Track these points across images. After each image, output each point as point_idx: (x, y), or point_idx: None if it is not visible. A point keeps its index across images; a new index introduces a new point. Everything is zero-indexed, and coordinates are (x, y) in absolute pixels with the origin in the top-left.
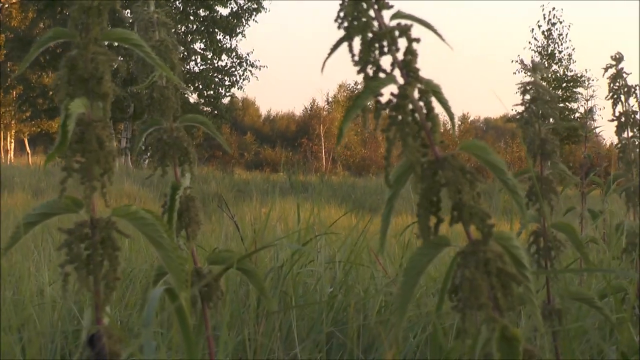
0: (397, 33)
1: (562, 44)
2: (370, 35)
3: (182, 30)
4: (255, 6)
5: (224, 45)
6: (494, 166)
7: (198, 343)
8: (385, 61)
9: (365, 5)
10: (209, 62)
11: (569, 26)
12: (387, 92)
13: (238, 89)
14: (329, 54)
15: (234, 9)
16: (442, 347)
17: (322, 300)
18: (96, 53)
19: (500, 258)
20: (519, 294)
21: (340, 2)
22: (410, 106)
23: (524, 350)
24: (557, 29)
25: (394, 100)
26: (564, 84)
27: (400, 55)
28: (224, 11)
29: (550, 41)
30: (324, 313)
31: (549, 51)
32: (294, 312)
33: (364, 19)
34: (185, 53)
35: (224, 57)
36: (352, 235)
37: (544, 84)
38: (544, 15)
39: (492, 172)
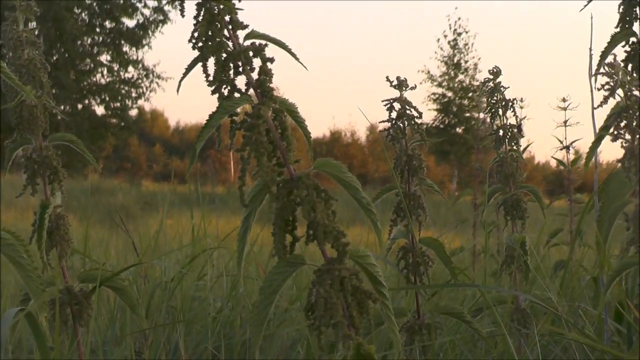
0: (251, 53)
1: (467, 54)
2: (224, 55)
3: (88, 42)
4: (161, 18)
5: (130, 57)
6: (348, 184)
7: None
8: (241, 81)
9: (219, 26)
10: (115, 74)
11: (475, 36)
12: (243, 112)
13: (145, 100)
14: (184, 75)
15: (140, 21)
16: None
17: (209, 314)
18: None
19: (356, 276)
20: (376, 312)
21: (194, 22)
22: (265, 126)
23: None
24: (462, 39)
25: (248, 119)
26: (470, 94)
27: (255, 75)
28: (130, 23)
29: (456, 51)
30: (209, 329)
31: (455, 61)
32: (182, 327)
33: (217, 39)
34: (92, 65)
35: (130, 68)
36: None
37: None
38: (449, 25)
39: (346, 191)
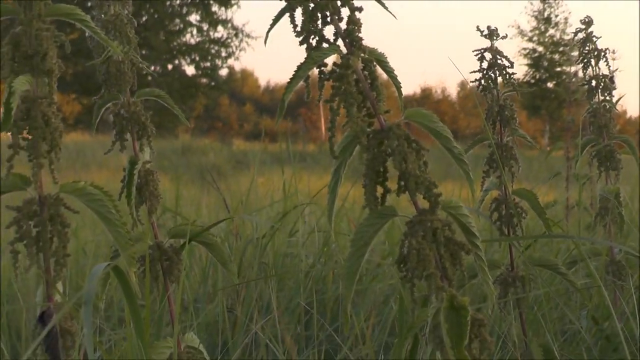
0: (339, 2)
1: (557, 8)
2: (311, 5)
3: (177, 2)
4: None
5: (220, 17)
6: (439, 134)
7: (161, 318)
8: (329, 31)
9: None
10: (204, 33)
11: None
12: (331, 62)
13: (235, 60)
14: (271, 25)
15: None
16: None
17: (302, 270)
18: (40, 29)
19: (449, 227)
20: (470, 264)
21: None
22: (354, 76)
23: (472, 320)
24: None
25: (337, 70)
26: (561, 48)
27: (343, 25)
28: None
29: (546, 5)
30: (301, 285)
31: (545, 15)
32: (274, 283)
33: None
34: (181, 25)
35: (219, 28)
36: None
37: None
38: None
39: (437, 140)
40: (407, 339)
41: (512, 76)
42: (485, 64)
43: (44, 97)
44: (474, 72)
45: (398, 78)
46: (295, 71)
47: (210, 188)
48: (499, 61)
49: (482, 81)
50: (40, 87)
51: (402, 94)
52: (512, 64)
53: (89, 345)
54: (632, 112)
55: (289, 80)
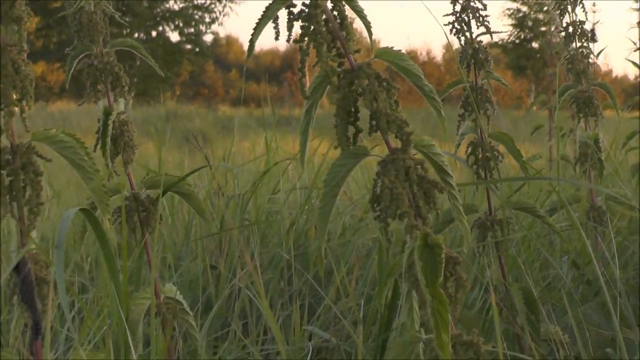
0: None
1: None
2: None
3: None
4: None
5: None
6: (410, 72)
7: (139, 269)
8: None
9: None
10: None
11: None
12: (300, 3)
13: (219, 25)
14: None
15: None
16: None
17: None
18: None
19: (421, 165)
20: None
21: None
22: (323, 16)
23: (447, 258)
24: None
25: (306, 10)
26: (545, 7)
27: None
28: None
29: None
30: (283, 240)
31: None
32: (256, 239)
33: None
34: None
35: None
36: (315, 161)
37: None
38: None
39: (407, 79)
40: (387, 285)
41: (485, 18)
42: (458, 7)
43: (13, 45)
44: (447, 14)
45: (367, 17)
46: (263, 12)
47: (195, 152)
48: (472, 3)
49: (456, 24)
50: (9, 35)
51: (372, 34)
52: (485, 6)
53: (60, 288)
54: (618, 72)
55: (257, 21)
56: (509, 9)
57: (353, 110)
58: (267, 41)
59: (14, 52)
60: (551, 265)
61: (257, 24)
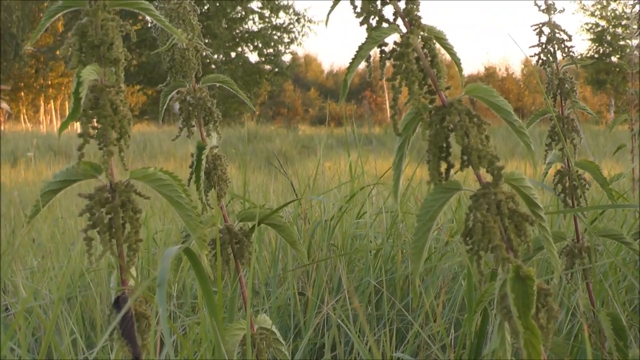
0: None
1: None
2: None
3: None
4: None
5: (281, 3)
6: (500, 108)
7: (234, 300)
8: (388, 11)
9: None
10: (266, 20)
11: None
12: (392, 42)
13: (297, 45)
14: (332, 7)
15: None
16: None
17: (370, 251)
18: (105, 19)
19: (512, 199)
20: (535, 237)
21: None
22: (414, 54)
23: (538, 289)
24: None
25: (398, 49)
26: (624, 22)
27: (402, 4)
28: None
29: None
30: (370, 265)
31: None
32: (343, 264)
33: None
34: (243, 12)
35: (281, 14)
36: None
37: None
38: None
39: (498, 115)
40: (477, 313)
41: (570, 49)
42: (543, 38)
43: (112, 86)
44: (533, 46)
45: (459, 55)
46: (356, 51)
47: (277, 174)
48: (557, 35)
49: (542, 55)
50: (107, 76)
51: (462, 70)
52: (570, 37)
53: (164, 326)
54: None
55: (350, 60)
56: (587, 24)
57: (445, 145)
58: (345, 60)
59: (112, 93)
60: (637, 289)
61: (351, 63)
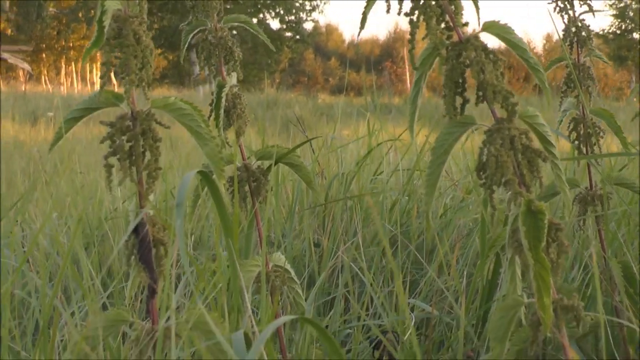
0: None
1: None
2: None
3: None
4: None
5: None
6: (516, 45)
7: (250, 237)
8: None
9: None
10: None
11: None
12: None
13: (319, 13)
14: None
15: None
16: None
17: (386, 206)
18: None
19: (526, 135)
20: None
21: None
22: None
23: (549, 224)
24: None
25: None
26: None
27: None
28: None
29: None
30: (386, 219)
31: None
32: (359, 217)
33: None
34: None
35: None
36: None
37: None
38: None
39: (513, 51)
40: (489, 258)
41: None
42: None
43: (135, 17)
44: None
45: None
46: None
47: (295, 138)
48: None
49: (559, 2)
50: (131, 7)
51: (478, 7)
52: None
53: (181, 244)
54: None
55: None
56: None
57: (461, 81)
58: (366, 31)
59: (135, 23)
60: None
61: None
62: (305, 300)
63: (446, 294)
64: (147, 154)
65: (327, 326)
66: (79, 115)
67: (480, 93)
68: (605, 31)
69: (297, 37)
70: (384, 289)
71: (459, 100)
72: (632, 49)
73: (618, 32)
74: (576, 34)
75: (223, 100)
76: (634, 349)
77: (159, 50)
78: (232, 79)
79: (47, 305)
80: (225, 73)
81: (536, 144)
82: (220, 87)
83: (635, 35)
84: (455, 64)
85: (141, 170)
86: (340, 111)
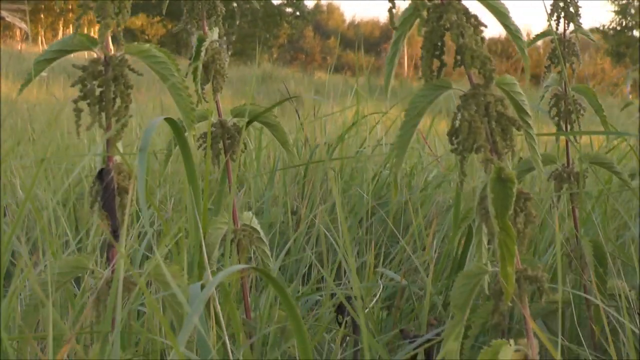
0: None
1: None
2: None
3: None
4: None
5: None
6: (497, 11)
7: (221, 194)
8: None
9: None
10: None
11: None
12: None
13: None
14: None
15: None
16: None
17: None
18: None
19: (501, 102)
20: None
21: None
22: None
23: (518, 193)
24: None
25: None
26: None
27: None
28: None
29: None
30: (365, 190)
31: None
32: (339, 187)
33: None
34: None
35: None
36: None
37: None
38: None
39: (494, 17)
40: (460, 229)
41: None
42: None
43: None
44: None
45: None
46: None
47: (287, 113)
48: None
49: None
50: None
51: None
52: None
53: (141, 191)
54: None
55: None
56: None
57: (439, 44)
58: (367, 12)
59: None
60: (628, 227)
61: None
62: (276, 259)
63: (417, 266)
64: (118, 100)
65: (297, 292)
66: (51, 57)
67: (459, 57)
68: (606, 27)
69: (298, 13)
70: (359, 260)
71: (436, 64)
72: (631, 46)
73: (618, 28)
74: (564, 9)
75: (202, 54)
76: (599, 329)
77: (158, 18)
78: (214, 34)
79: (4, 243)
80: (207, 28)
81: (511, 112)
82: (201, 40)
83: (636, 33)
84: (436, 26)
85: (110, 116)
86: (333, 88)
